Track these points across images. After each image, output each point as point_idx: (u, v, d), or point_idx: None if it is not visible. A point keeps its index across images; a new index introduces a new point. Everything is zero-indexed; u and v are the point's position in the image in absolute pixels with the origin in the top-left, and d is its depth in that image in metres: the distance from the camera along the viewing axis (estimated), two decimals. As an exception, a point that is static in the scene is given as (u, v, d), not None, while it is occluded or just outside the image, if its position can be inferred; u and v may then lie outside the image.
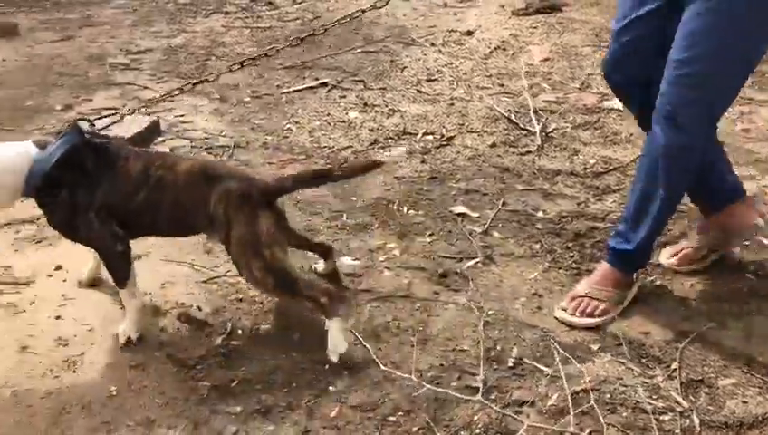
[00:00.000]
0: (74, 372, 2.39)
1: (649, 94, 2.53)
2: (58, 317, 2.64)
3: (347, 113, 4.48)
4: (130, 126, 4.05)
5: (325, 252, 2.79)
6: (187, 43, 5.91)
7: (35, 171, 2.27)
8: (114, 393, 2.29)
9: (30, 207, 2.70)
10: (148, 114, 4.28)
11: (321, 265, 2.82)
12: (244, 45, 5.81)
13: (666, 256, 2.96)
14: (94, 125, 2.41)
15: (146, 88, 4.93)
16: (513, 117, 4.32)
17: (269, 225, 2.31)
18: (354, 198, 3.49)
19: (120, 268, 2.41)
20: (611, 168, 3.75)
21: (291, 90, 4.88)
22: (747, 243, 3.03)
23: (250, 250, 2.29)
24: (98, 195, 2.31)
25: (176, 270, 2.89)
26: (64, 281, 2.85)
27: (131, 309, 2.44)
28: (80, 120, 2.39)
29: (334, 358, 2.34)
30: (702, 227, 2.94)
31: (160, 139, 4.15)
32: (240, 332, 2.56)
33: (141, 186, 2.33)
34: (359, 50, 5.62)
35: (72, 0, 7.35)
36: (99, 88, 4.94)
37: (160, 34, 6.13)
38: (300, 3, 7.09)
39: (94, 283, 2.75)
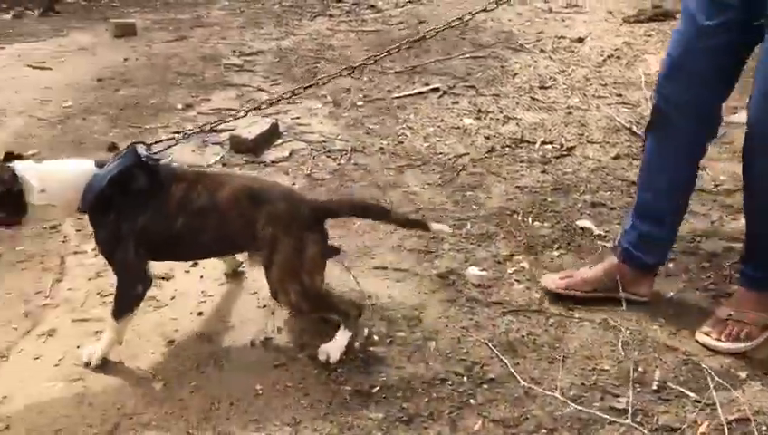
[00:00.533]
0: (220, 368, 2.45)
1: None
2: (200, 313, 2.72)
3: (461, 120, 4.46)
4: (252, 128, 4.15)
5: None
6: (296, 45, 6.02)
7: (91, 188, 2.32)
8: (260, 392, 2.34)
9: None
10: (278, 114, 4.38)
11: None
12: (352, 49, 5.87)
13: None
14: (150, 148, 2.43)
15: (260, 90, 5.04)
16: (635, 128, 4.19)
17: (314, 251, 2.35)
18: (476, 207, 3.46)
19: (127, 305, 2.42)
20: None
21: (402, 94, 4.90)
22: None
23: (290, 275, 2.32)
24: (141, 219, 2.34)
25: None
26: (201, 277, 2.93)
27: (108, 340, 2.43)
28: (136, 143, 2.41)
29: (322, 357, 2.39)
30: None
31: (279, 141, 4.22)
32: (376, 338, 2.57)
33: (182, 213, 2.36)
34: (467, 55, 5.59)
35: (180, 0, 7.63)
36: (215, 88, 5.08)
37: (269, 37, 6.27)
38: (403, 6, 7.13)
39: (235, 274, 2.88)
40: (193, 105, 4.77)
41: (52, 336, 2.60)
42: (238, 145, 4.07)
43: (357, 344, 2.51)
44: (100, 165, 2.36)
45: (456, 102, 4.69)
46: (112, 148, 4.06)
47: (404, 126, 4.40)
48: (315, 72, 5.34)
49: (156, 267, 2.60)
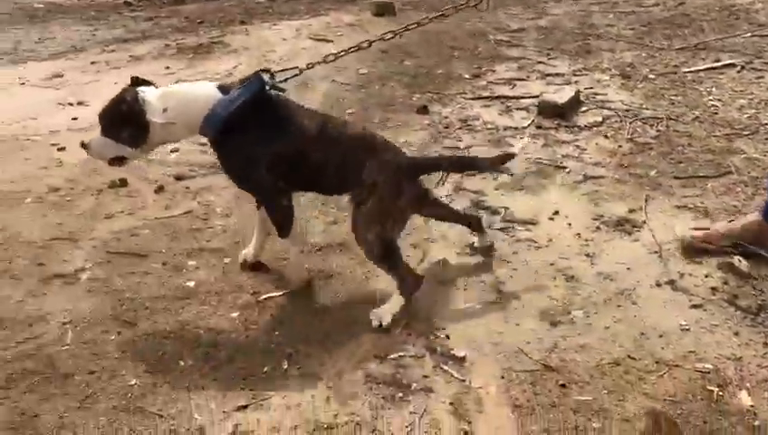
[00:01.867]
0: (633, 303, 2.48)
1: None
2: (588, 255, 2.77)
3: (770, 93, 4.27)
4: (561, 94, 4.20)
5: (476, 224, 2.81)
6: (555, 24, 6.02)
7: (216, 113, 2.34)
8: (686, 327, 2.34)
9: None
10: (567, 84, 4.41)
11: (477, 240, 2.83)
12: (617, 27, 5.79)
13: None
14: (274, 76, 2.44)
15: (539, 62, 5.08)
16: None
17: (406, 201, 2.45)
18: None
19: (285, 221, 2.52)
20: None
21: (693, 69, 4.76)
22: None
23: (376, 216, 2.39)
24: (274, 147, 2.38)
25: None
26: (569, 225, 2.99)
27: (292, 252, 2.64)
28: (261, 70, 2.42)
29: (375, 322, 2.39)
30: None
31: (583, 108, 4.24)
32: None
33: (318, 143, 2.41)
34: (749, 34, 5.34)
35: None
36: (494, 61, 5.18)
37: (524, 17, 6.33)
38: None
39: (256, 265, 2.79)
40: (479, 75, 4.90)
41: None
42: (547, 110, 4.11)
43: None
44: (224, 90, 2.39)
45: (762, 77, 4.49)
46: (422, 110, 4.25)
47: (710, 98, 4.26)
48: (588, 47, 5.32)
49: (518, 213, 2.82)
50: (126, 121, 2.35)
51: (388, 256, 2.46)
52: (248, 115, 2.35)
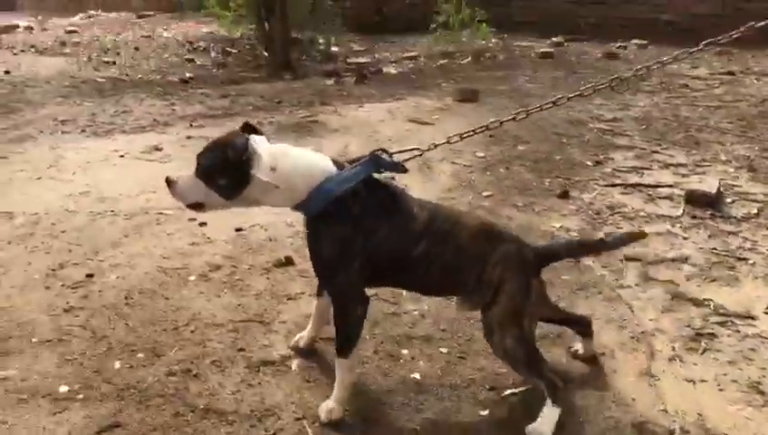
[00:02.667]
0: None
1: None
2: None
3: None
4: (705, 184, 4.14)
5: (585, 327, 2.56)
6: (647, 115, 6.07)
7: (327, 188, 2.09)
8: None
9: None
10: (694, 175, 4.35)
11: (580, 346, 2.59)
12: (712, 119, 5.85)
13: None
14: (392, 156, 2.22)
15: (654, 152, 5.06)
16: None
17: (537, 295, 2.22)
18: None
19: (352, 333, 2.20)
20: None
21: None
22: None
23: (511, 318, 2.16)
24: (380, 234, 2.13)
25: None
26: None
27: (344, 384, 2.24)
28: (378, 150, 2.21)
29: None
30: None
31: (728, 199, 4.18)
32: None
33: (424, 237, 2.16)
34: None
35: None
36: (608, 149, 5.16)
37: (611, 106, 6.37)
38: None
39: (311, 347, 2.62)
40: (600, 162, 4.85)
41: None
42: (697, 199, 4.04)
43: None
44: (338, 166, 2.17)
45: None
46: (564, 195, 4.16)
47: None
48: (695, 139, 5.33)
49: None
50: (227, 169, 2.09)
51: (532, 361, 2.20)
52: (357, 198, 2.12)
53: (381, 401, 2.37)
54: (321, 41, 10.92)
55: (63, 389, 2.40)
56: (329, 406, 2.24)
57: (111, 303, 2.96)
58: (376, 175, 2.20)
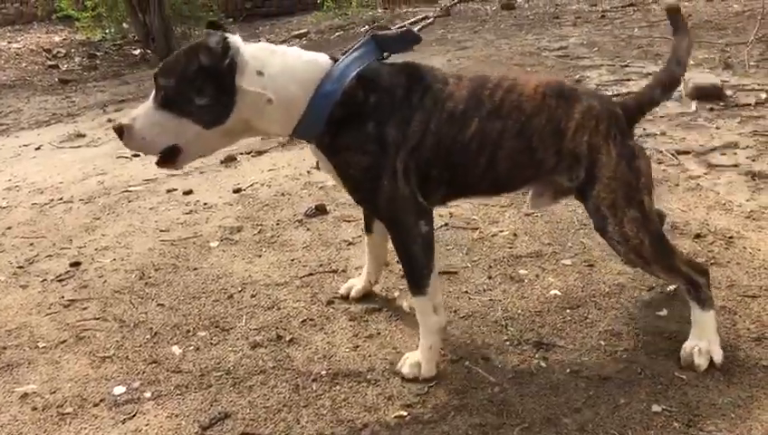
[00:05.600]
0: None
1: None
2: None
3: None
4: (707, 78, 3.99)
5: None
6: (590, 41, 5.96)
7: (324, 92, 1.57)
8: None
9: None
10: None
11: None
12: (651, 37, 5.82)
13: None
14: (389, 30, 1.74)
15: (624, 66, 4.92)
16: None
17: (646, 162, 1.68)
18: None
19: (420, 260, 1.64)
20: None
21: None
22: None
23: (624, 195, 1.62)
24: (411, 130, 1.59)
25: None
26: None
27: (430, 329, 1.68)
28: (376, 27, 1.75)
29: (702, 361, 1.63)
30: None
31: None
32: None
33: (472, 113, 1.60)
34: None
35: None
36: (577, 70, 4.95)
37: (548, 39, 6.21)
38: None
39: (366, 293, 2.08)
40: (581, 81, 4.62)
41: None
42: (707, 94, 3.89)
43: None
44: (334, 61, 1.64)
45: None
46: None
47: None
48: (650, 52, 5.25)
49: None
50: (203, 82, 1.52)
51: (661, 251, 1.65)
52: (367, 84, 1.59)
53: (539, 323, 1.88)
54: (196, 32, 10.21)
55: (119, 390, 1.75)
56: (413, 359, 1.69)
57: (123, 286, 2.29)
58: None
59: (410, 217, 1.61)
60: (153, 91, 1.59)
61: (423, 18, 1.75)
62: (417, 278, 1.65)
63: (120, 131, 1.58)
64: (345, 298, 2.07)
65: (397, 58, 1.71)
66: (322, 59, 1.62)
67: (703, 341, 1.65)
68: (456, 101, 1.60)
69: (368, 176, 1.59)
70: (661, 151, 3.15)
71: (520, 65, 5.21)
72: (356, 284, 2.06)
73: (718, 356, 1.64)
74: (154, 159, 1.63)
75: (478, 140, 1.60)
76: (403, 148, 1.57)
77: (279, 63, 1.57)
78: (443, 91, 1.61)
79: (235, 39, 1.55)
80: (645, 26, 6.43)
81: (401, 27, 1.71)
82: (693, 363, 1.63)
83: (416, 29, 1.72)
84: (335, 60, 1.62)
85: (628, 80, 4.54)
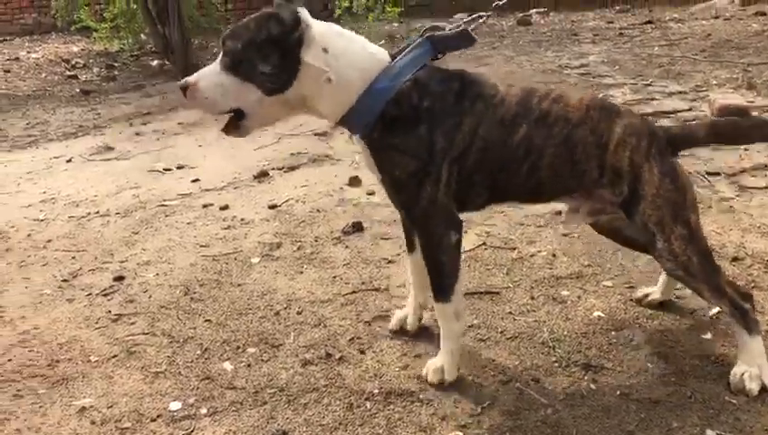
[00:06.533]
0: None
1: None
2: None
3: None
4: (732, 98, 4.02)
5: None
6: (610, 58, 6.00)
7: (379, 87, 1.61)
8: None
9: None
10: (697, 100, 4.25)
11: (654, 291, 2.09)
12: (676, 54, 5.85)
13: None
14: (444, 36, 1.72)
15: (646, 85, 4.95)
16: None
17: (689, 181, 1.71)
18: None
19: (448, 269, 1.70)
20: None
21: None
22: None
23: (671, 212, 1.64)
24: (461, 133, 1.63)
25: None
26: None
27: (451, 336, 1.75)
28: (431, 27, 1.74)
29: (754, 386, 1.65)
30: None
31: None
32: None
33: (521, 120, 1.66)
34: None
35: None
36: (599, 88, 4.98)
37: (567, 56, 6.25)
38: None
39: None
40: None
41: None
42: (730, 113, 3.91)
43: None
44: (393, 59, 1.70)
45: None
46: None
47: None
48: (672, 71, 5.28)
49: None
50: (270, 50, 1.57)
51: (709, 269, 1.67)
52: (422, 88, 1.64)
53: (585, 345, 1.91)
54: (213, 44, 10.34)
55: (175, 406, 1.78)
56: (436, 365, 1.76)
57: (169, 301, 2.33)
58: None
59: (442, 226, 1.66)
60: (220, 54, 1.63)
61: (477, 17, 1.75)
62: (444, 285, 1.70)
63: (185, 89, 1.63)
64: (399, 332, 2.03)
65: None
66: (382, 54, 1.68)
67: (753, 366, 1.67)
68: (507, 107, 1.66)
69: (413, 180, 1.63)
70: (691, 173, 3.17)
71: (543, 83, 5.25)
72: (407, 316, 2.02)
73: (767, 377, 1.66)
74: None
75: (525, 145, 1.65)
76: (449, 155, 1.62)
77: (343, 47, 1.63)
78: (494, 97, 1.67)
79: (306, 14, 1.61)
80: (665, 45, 6.48)
81: (458, 27, 1.74)
82: (744, 389, 1.65)
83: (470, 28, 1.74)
84: (393, 57, 1.67)
85: (653, 99, 4.57)
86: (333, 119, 1.69)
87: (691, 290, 1.80)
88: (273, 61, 1.58)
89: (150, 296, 2.38)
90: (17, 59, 11.25)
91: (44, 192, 3.69)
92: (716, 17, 7.99)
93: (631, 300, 2.13)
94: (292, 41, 1.57)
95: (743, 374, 1.67)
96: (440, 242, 1.67)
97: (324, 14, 12.42)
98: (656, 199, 1.64)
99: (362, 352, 1.96)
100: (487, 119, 1.64)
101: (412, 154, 1.61)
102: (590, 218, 1.87)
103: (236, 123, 1.67)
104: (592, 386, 1.75)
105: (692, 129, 1.83)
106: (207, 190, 3.37)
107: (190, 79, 1.63)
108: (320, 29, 1.62)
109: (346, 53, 1.62)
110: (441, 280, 1.71)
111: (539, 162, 1.66)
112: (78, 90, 7.78)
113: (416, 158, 1.61)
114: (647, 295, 2.09)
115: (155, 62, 10.13)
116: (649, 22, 8.21)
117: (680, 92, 4.68)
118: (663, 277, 2.06)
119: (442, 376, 1.74)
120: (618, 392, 1.72)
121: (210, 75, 1.63)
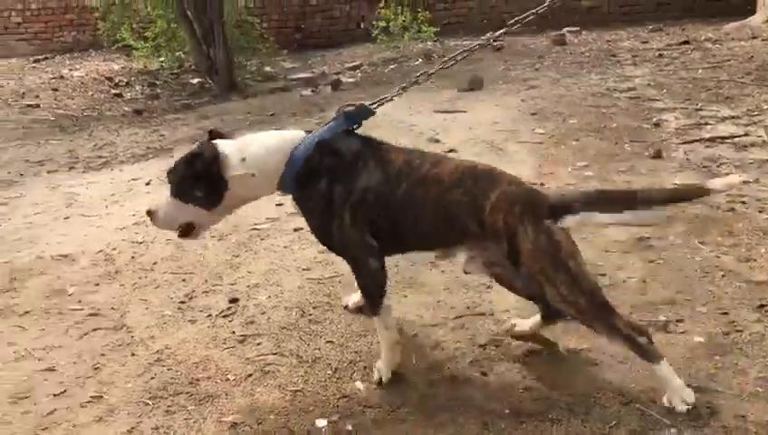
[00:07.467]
0: None
1: None
2: None
3: None
4: None
5: (554, 314, 2.12)
6: (655, 81, 6.13)
7: (295, 157, 2.04)
8: None
9: None
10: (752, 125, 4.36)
11: (525, 322, 2.25)
12: (720, 77, 5.98)
13: None
14: (367, 109, 2.17)
15: (697, 110, 5.08)
16: None
17: (565, 235, 1.87)
18: None
19: (373, 289, 2.07)
20: None
21: None
22: None
23: (549, 262, 1.84)
24: (357, 186, 2.00)
25: None
26: None
27: (386, 344, 2.11)
28: (348, 105, 2.16)
29: (682, 408, 1.86)
30: None
31: None
32: None
33: (403, 176, 2.00)
34: None
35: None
36: (651, 112, 5.13)
37: (609, 78, 6.38)
38: None
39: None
40: (658, 124, 4.81)
41: None
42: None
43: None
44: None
45: None
46: (657, 155, 4.06)
47: None
48: (720, 94, 5.42)
49: None
50: (200, 179, 2.04)
51: (599, 308, 1.86)
52: (325, 150, 2.06)
53: (693, 369, 2.06)
54: (251, 61, 10.59)
55: (321, 423, 1.96)
56: (377, 366, 2.14)
57: (288, 323, 2.52)
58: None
59: (361, 254, 2.05)
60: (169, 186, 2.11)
61: (468, 50, 1.98)
62: (373, 302, 2.09)
63: (150, 215, 2.15)
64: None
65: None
66: (297, 133, 2.12)
67: (684, 392, 1.87)
68: (393, 167, 2.02)
69: (324, 226, 2.07)
70: (759, 200, 3.31)
71: (594, 106, 5.41)
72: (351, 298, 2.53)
73: (690, 398, 1.87)
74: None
75: (407, 199, 1.99)
76: (349, 201, 2.00)
77: (256, 148, 2.07)
78: (384, 158, 2.04)
79: (222, 145, 2.05)
80: (708, 67, 6.59)
81: (362, 103, 2.17)
82: (675, 410, 1.85)
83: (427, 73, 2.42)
84: (309, 132, 2.11)
85: (706, 124, 4.71)
86: (271, 193, 2.14)
87: (588, 328, 1.95)
88: (203, 187, 2.04)
89: (269, 318, 2.56)
90: (62, 77, 11.57)
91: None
92: (754, 37, 8.08)
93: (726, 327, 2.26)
94: (213, 170, 2.02)
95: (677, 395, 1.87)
96: (362, 268, 2.08)
97: (360, 32, 12.74)
98: (534, 253, 1.86)
99: (485, 374, 2.12)
100: (379, 175, 2.01)
101: (321, 203, 2.03)
102: (487, 269, 2.08)
103: (190, 231, 2.16)
104: (707, 408, 1.89)
105: (566, 198, 1.95)
106: (293, 214, 3.54)
107: (152, 208, 2.15)
108: (235, 147, 2.07)
109: (260, 150, 2.07)
110: (367, 299, 2.12)
111: (421, 214, 1.99)
112: (127, 108, 8.06)
113: (323, 205, 2.03)
114: (514, 325, 2.26)
115: (195, 81, 10.41)
116: (686, 42, 8.29)
117: (732, 117, 4.81)
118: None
119: (379, 375, 2.10)
120: (733, 414, 1.86)
121: (164, 203, 2.12)
